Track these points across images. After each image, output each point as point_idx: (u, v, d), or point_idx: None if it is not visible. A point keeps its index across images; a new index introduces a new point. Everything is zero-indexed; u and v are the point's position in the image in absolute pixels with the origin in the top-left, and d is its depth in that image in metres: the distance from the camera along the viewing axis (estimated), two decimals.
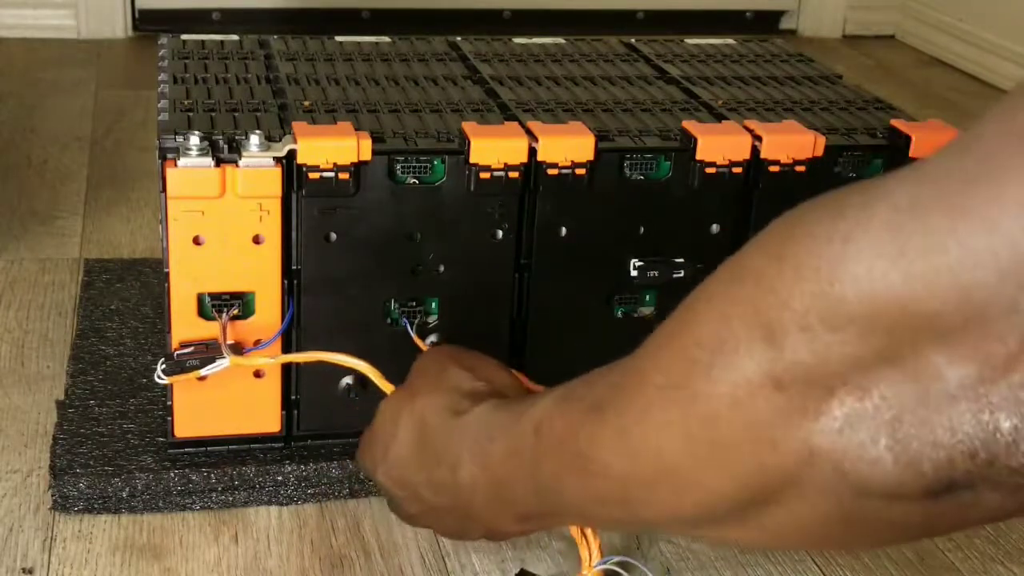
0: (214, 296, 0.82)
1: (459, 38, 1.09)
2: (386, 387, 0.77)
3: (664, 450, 0.48)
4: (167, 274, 0.81)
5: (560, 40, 1.10)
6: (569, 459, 0.55)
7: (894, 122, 0.92)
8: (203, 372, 0.81)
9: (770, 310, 0.43)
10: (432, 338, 0.84)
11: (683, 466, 0.48)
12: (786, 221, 0.45)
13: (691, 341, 0.47)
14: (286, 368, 0.85)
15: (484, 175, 0.82)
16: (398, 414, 0.72)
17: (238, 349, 0.82)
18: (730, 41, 1.14)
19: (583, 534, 0.75)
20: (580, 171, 0.84)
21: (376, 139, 0.82)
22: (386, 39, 1.07)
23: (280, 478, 0.86)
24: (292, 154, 0.79)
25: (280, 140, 0.80)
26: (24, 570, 0.79)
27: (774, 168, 0.87)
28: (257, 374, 0.85)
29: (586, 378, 0.57)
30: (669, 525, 0.54)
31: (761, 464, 0.45)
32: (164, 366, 0.81)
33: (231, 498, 0.86)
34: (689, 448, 0.47)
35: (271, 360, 0.82)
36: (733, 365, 0.44)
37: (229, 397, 0.85)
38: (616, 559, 0.76)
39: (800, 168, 0.87)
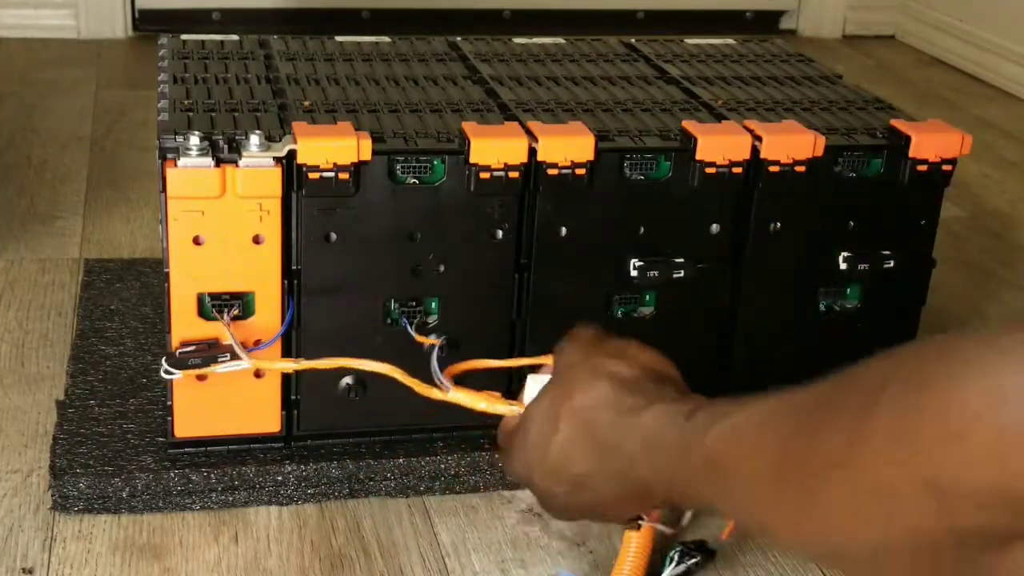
0: (214, 296, 0.82)
1: (459, 38, 1.09)
2: (413, 384, 0.76)
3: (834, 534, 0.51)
4: (167, 274, 0.81)
5: (560, 40, 1.10)
6: (748, 512, 0.58)
7: (894, 122, 0.92)
8: (219, 370, 0.80)
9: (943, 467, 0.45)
10: (432, 337, 0.84)
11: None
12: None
13: (864, 478, 0.48)
14: None
15: (484, 175, 0.82)
16: (556, 415, 0.71)
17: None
18: (730, 41, 1.14)
19: None
20: (580, 171, 0.84)
21: (376, 139, 0.82)
22: (386, 39, 1.07)
23: (280, 478, 0.86)
24: (292, 154, 0.79)
25: (280, 140, 0.80)
26: (24, 570, 0.79)
27: (774, 168, 0.87)
28: (257, 374, 0.85)
29: (758, 420, 0.57)
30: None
31: None
32: (171, 362, 0.81)
33: (231, 498, 0.86)
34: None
35: (294, 365, 0.81)
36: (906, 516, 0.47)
37: (229, 397, 0.85)
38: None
39: (800, 168, 0.87)
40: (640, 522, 0.76)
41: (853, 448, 0.49)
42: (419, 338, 0.83)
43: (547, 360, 0.78)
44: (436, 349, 0.79)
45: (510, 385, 0.88)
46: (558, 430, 0.71)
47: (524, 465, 0.73)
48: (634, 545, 0.77)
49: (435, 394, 0.77)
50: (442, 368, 0.77)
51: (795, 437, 0.54)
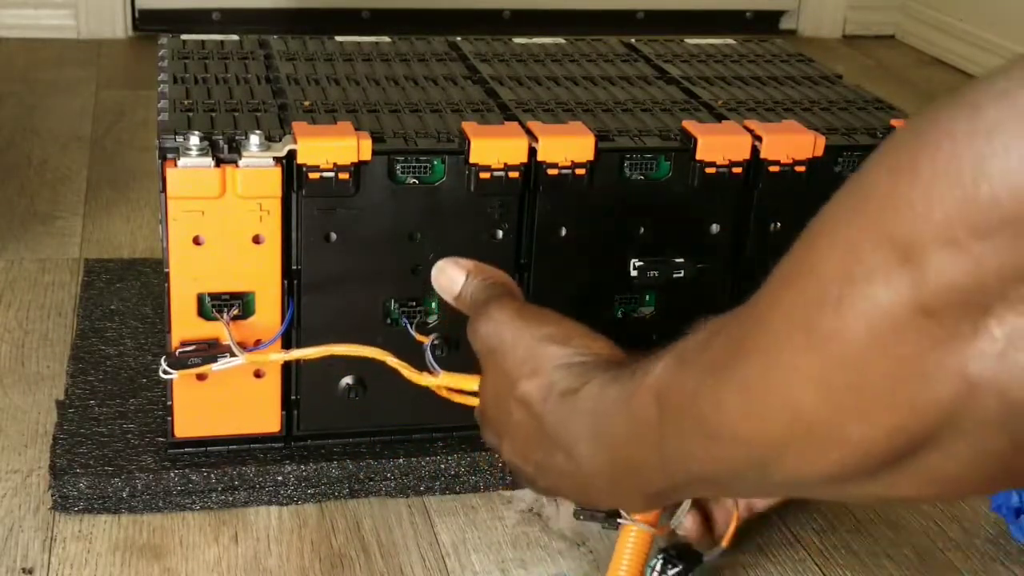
0: (214, 296, 0.82)
1: (459, 38, 1.09)
2: (402, 367, 0.76)
3: (797, 404, 0.43)
4: (167, 274, 0.81)
5: (560, 40, 1.10)
6: (693, 428, 0.51)
7: (894, 122, 0.92)
8: (215, 368, 0.80)
9: (905, 228, 0.38)
10: (433, 337, 0.84)
11: (821, 419, 0.43)
12: (911, 129, 0.40)
13: (814, 278, 0.42)
14: (286, 368, 0.85)
15: (484, 175, 0.82)
16: (503, 400, 0.65)
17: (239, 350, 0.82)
18: (730, 41, 1.14)
19: None
20: (580, 171, 0.84)
21: (376, 139, 0.82)
22: (386, 39, 1.07)
23: (280, 478, 0.86)
24: (292, 154, 0.79)
25: (280, 140, 0.80)
26: (24, 570, 0.79)
27: (774, 168, 0.87)
28: (257, 374, 0.85)
29: (698, 336, 0.52)
30: (811, 487, 0.48)
31: (912, 404, 0.40)
32: (168, 361, 0.81)
33: (231, 498, 0.86)
34: (826, 397, 0.42)
35: (285, 356, 0.81)
36: (868, 296, 0.40)
37: (229, 397, 0.85)
38: None
39: (800, 168, 0.87)
40: (619, 520, 0.74)
41: (797, 272, 0.44)
42: (419, 337, 0.83)
43: None
44: (431, 341, 0.79)
45: None
46: (511, 419, 0.65)
47: (492, 437, 0.69)
48: (629, 547, 0.75)
49: (425, 379, 0.76)
50: (467, 367, 0.77)
51: (737, 321, 0.48)
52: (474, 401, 0.74)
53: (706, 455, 0.51)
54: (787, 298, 0.44)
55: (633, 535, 0.74)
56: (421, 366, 0.77)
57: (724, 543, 0.77)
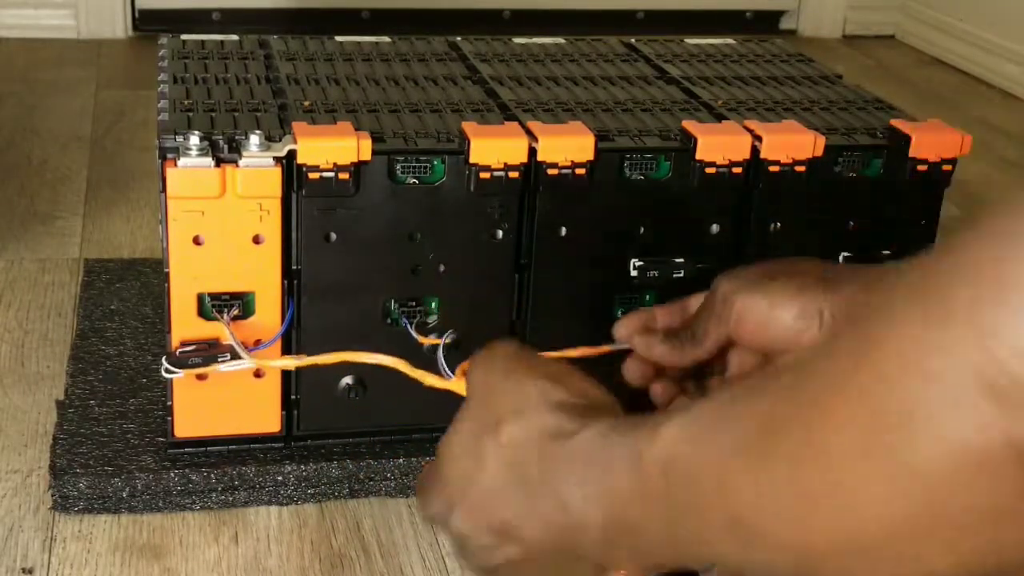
0: (214, 296, 0.82)
1: (459, 38, 1.09)
2: (415, 375, 0.76)
3: (860, 517, 0.39)
4: (167, 274, 0.81)
5: (560, 40, 1.10)
6: (718, 519, 0.45)
7: (894, 122, 0.92)
8: (222, 369, 0.80)
9: (996, 361, 0.35)
10: (433, 337, 0.84)
11: (886, 537, 0.39)
12: (995, 234, 0.35)
13: (884, 386, 0.38)
14: (286, 368, 0.85)
15: (484, 175, 0.82)
16: (479, 445, 0.59)
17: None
18: (730, 41, 1.14)
19: None
20: (580, 171, 0.84)
21: (376, 139, 0.82)
22: (386, 39, 1.07)
23: (280, 478, 0.86)
24: (292, 154, 0.79)
25: (280, 140, 0.80)
26: (24, 570, 0.79)
27: (774, 168, 0.87)
28: (257, 374, 0.85)
29: (719, 403, 0.48)
30: None
31: (997, 539, 0.37)
32: (171, 361, 0.81)
33: (231, 498, 0.86)
34: (897, 516, 0.38)
35: (296, 362, 0.81)
36: (953, 427, 0.36)
37: (229, 397, 0.85)
38: None
39: (800, 168, 0.87)
40: None
41: (859, 374, 0.39)
42: (423, 339, 0.83)
43: (592, 352, 0.76)
44: (443, 341, 0.79)
45: None
46: (483, 465, 0.59)
47: (445, 505, 0.62)
48: None
49: (436, 382, 0.76)
50: (457, 359, 0.77)
51: (776, 402, 0.43)
52: None
53: (732, 549, 0.46)
54: (849, 395, 0.40)
55: None
56: (425, 366, 0.77)
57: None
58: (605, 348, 0.79)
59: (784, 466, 0.42)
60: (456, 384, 0.76)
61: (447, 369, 0.77)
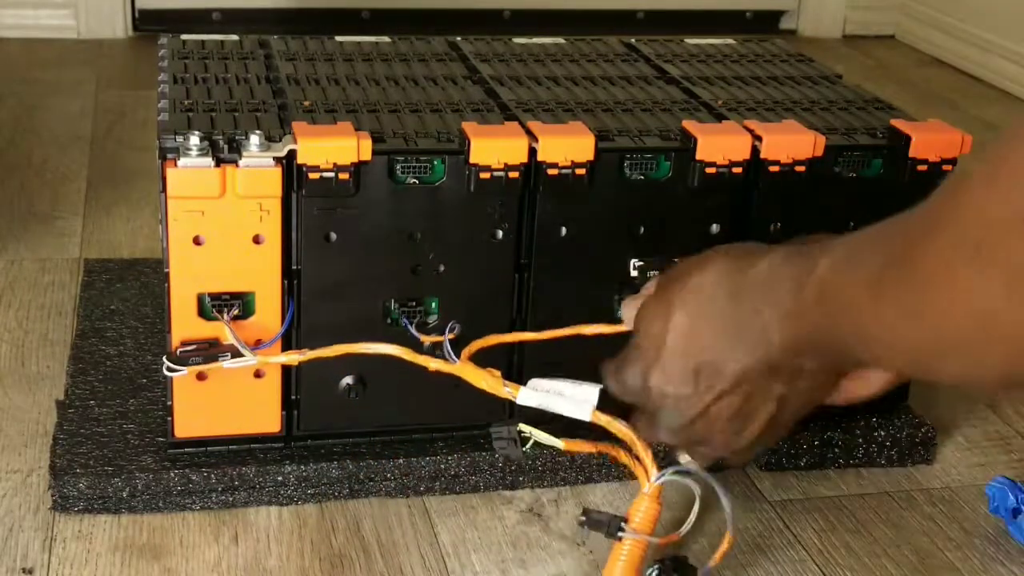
0: (214, 296, 0.82)
1: (459, 38, 1.09)
2: (419, 360, 0.77)
3: (964, 317, 0.51)
4: (167, 274, 0.81)
5: (560, 40, 1.10)
6: (858, 334, 0.59)
7: (894, 122, 0.92)
8: (226, 365, 0.80)
9: None
10: (434, 336, 0.84)
11: (975, 334, 0.51)
12: None
13: (972, 218, 0.50)
14: (286, 368, 0.85)
15: (484, 175, 0.82)
16: (669, 303, 0.70)
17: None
18: (730, 41, 1.14)
19: (634, 455, 0.74)
20: (580, 171, 0.84)
21: (376, 139, 0.82)
22: (386, 39, 1.07)
23: (280, 478, 0.86)
24: (292, 154, 0.79)
25: (280, 140, 0.80)
26: (24, 570, 0.79)
27: (774, 168, 0.87)
28: (257, 374, 0.85)
29: (867, 238, 0.59)
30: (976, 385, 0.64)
31: None
32: (173, 359, 0.81)
33: (231, 498, 0.86)
34: (1006, 301, 0.49)
35: (299, 356, 0.81)
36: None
37: (229, 397, 0.85)
38: (673, 470, 0.74)
39: (800, 168, 0.87)
40: (621, 534, 0.74)
41: (950, 211, 0.52)
42: (425, 339, 0.83)
43: (583, 330, 0.81)
44: (447, 336, 0.79)
45: (510, 366, 0.88)
46: (671, 318, 0.69)
47: (640, 374, 0.71)
48: (623, 556, 0.74)
49: (441, 365, 0.77)
50: (458, 350, 0.78)
51: (896, 244, 0.56)
52: (499, 388, 0.75)
53: (866, 354, 0.61)
54: (961, 217, 0.51)
55: (628, 544, 0.74)
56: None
57: (714, 562, 0.77)
58: (620, 328, 0.81)
59: (900, 291, 0.55)
60: (460, 368, 0.77)
61: (450, 351, 0.77)
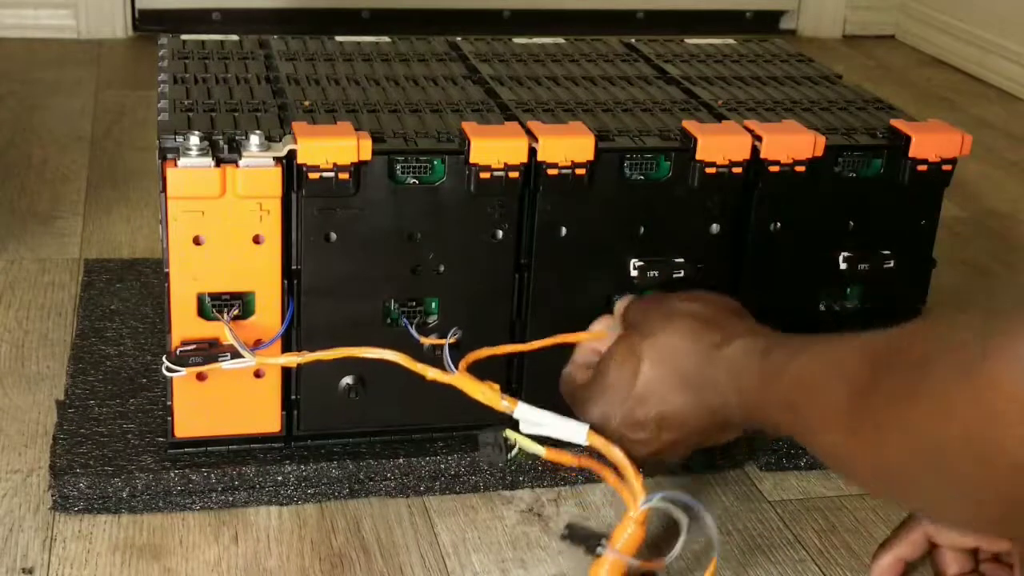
0: (214, 296, 0.82)
1: (459, 38, 1.09)
2: (418, 368, 0.77)
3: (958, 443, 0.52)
4: (167, 274, 0.81)
5: (560, 40, 1.10)
6: (819, 448, 0.64)
7: (894, 122, 0.92)
8: (225, 366, 0.80)
9: None
10: (433, 337, 0.84)
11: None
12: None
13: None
14: (286, 368, 0.85)
15: (484, 175, 0.82)
16: (637, 355, 0.75)
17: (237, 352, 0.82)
18: (730, 41, 1.14)
19: (622, 477, 0.75)
20: (580, 171, 0.84)
21: (376, 139, 0.82)
22: (386, 39, 1.07)
23: (280, 478, 0.86)
24: (292, 154, 0.79)
25: (280, 140, 0.80)
26: (24, 570, 0.79)
27: (774, 168, 0.87)
28: (257, 374, 0.85)
29: (831, 373, 0.61)
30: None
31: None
32: (172, 359, 0.81)
33: (231, 498, 0.86)
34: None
35: (298, 359, 0.81)
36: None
37: (229, 397, 0.85)
38: (660, 495, 0.74)
39: (800, 168, 0.87)
40: (600, 550, 0.74)
41: (910, 404, 0.54)
42: (425, 340, 0.83)
43: (571, 338, 0.83)
44: (449, 341, 0.79)
45: (509, 378, 0.88)
46: (639, 371, 0.75)
47: (602, 413, 0.76)
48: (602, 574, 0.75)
49: (438, 376, 0.77)
50: (457, 357, 0.78)
51: (863, 383, 0.58)
52: (497, 401, 0.76)
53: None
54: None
55: (608, 565, 0.74)
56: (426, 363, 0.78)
57: None
58: (600, 334, 0.83)
59: (861, 431, 0.58)
60: (459, 379, 0.77)
61: (452, 364, 0.77)
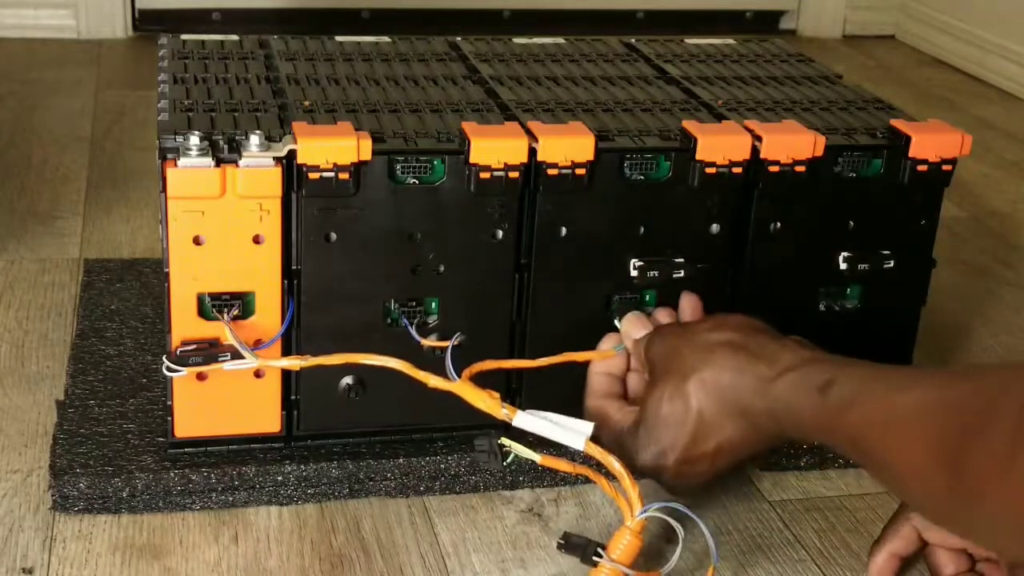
0: (214, 296, 0.82)
1: (459, 38, 1.09)
2: (420, 376, 0.77)
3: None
4: (167, 274, 0.81)
5: (560, 40, 1.10)
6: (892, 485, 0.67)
7: (894, 122, 0.92)
8: (227, 367, 0.80)
9: None
10: (433, 338, 0.84)
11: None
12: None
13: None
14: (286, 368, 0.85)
15: (484, 175, 0.82)
16: (685, 394, 0.75)
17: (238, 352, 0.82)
18: (730, 41, 1.14)
19: (620, 488, 0.75)
20: (580, 171, 0.84)
21: (376, 139, 0.82)
22: (386, 39, 1.07)
23: (280, 478, 0.86)
24: (292, 154, 0.79)
25: (280, 140, 0.80)
26: (24, 570, 0.79)
27: (774, 168, 0.87)
28: (257, 374, 0.85)
29: (916, 422, 0.61)
30: None
31: None
32: (173, 359, 0.81)
33: (231, 498, 0.86)
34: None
35: (300, 362, 0.81)
36: None
37: (229, 397, 0.85)
38: (657, 506, 0.74)
39: (800, 168, 0.87)
40: (597, 559, 0.74)
41: (1014, 460, 0.53)
42: (427, 343, 0.83)
43: (580, 357, 0.83)
44: (452, 343, 0.79)
45: (509, 387, 0.88)
46: (691, 406, 0.75)
47: (657, 457, 0.77)
48: None
49: (440, 383, 0.77)
50: (461, 366, 0.78)
51: (953, 438, 0.57)
52: (497, 410, 0.76)
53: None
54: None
55: (604, 573, 0.74)
56: (426, 367, 0.78)
57: None
58: (610, 353, 0.83)
59: (955, 490, 0.57)
60: (460, 387, 0.77)
61: (453, 372, 0.77)
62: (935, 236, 0.94)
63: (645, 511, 0.74)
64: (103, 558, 0.80)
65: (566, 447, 0.77)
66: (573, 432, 0.76)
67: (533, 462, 0.80)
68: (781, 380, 0.71)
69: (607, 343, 0.85)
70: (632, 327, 0.84)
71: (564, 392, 0.84)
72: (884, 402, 0.64)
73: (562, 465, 0.77)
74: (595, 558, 0.75)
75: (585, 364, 0.85)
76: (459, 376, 0.77)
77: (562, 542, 0.77)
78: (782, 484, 0.92)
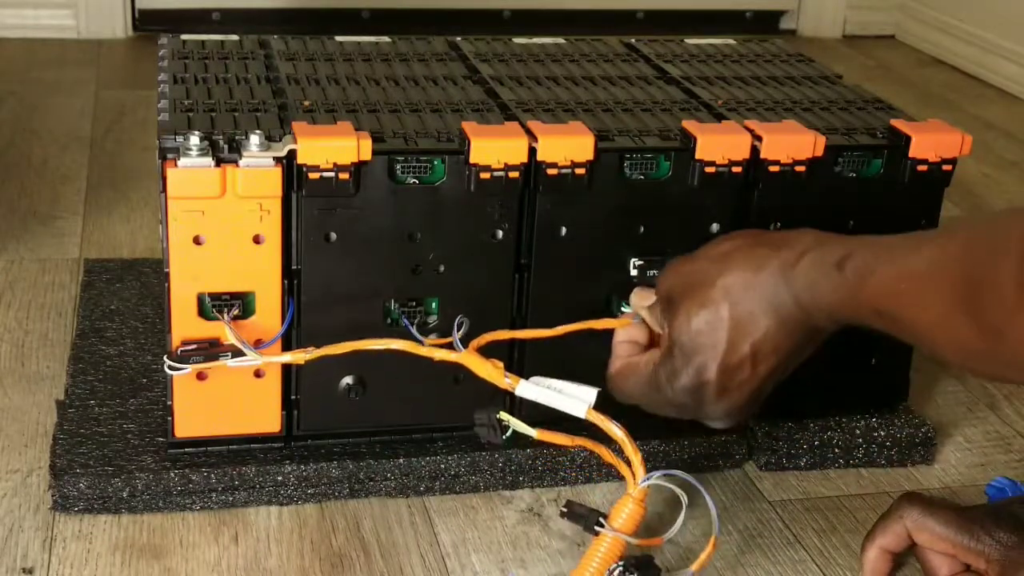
0: (214, 296, 0.82)
1: (459, 38, 1.09)
2: (424, 352, 0.77)
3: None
4: (167, 274, 0.81)
5: (560, 40, 1.10)
6: (917, 336, 0.66)
7: (894, 122, 0.92)
8: (230, 364, 0.80)
9: None
10: (433, 336, 0.84)
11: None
12: None
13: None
14: (286, 368, 0.85)
15: (484, 175, 0.82)
16: (711, 304, 0.74)
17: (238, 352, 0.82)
18: (730, 41, 1.14)
19: (624, 456, 0.74)
20: (580, 171, 0.84)
21: (376, 139, 0.82)
22: (386, 39, 1.07)
23: (280, 478, 0.86)
24: (292, 154, 0.79)
25: (280, 140, 0.80)
26: (24, 570, 0.79)
27: (774, 168, 0.87)
28: (257, 374, 0.85)
29: (930, 279, 0.64)
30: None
31: None
32: (174, 358, 0.81)
33: (231, 498, 0.86)
34: None
35: (304, 355, 0.80)
36: None
37: (229, 397, 0.85)
38: (660, 473, 0.74)
39: (800, 168, 0.87)
40: (598, 528, 0.74)
41: (1022, 291, 0.56)
42: (426, 341, 0.83)
43: (597, 324, 0.82)
44: (458, 324, 0.79)
45: (511, 359, 0.88)
46: (721, 313, 0.73)
47: (695, 376, 0.74)
48: (599, 552, 0.74)
49: (446, 355, 0.77)
50: (467, 338, 0.78)
51: (966, 285, 0.61)
52: (500, 379, 0.76)
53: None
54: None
55: (607, 541, 0.74)
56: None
57: (694, 567, 0.77)
58: (627, 320, 0.83)
59: (980, 332, 0.60)
60: (465, 357, 0.77)
61: (458, 342, 0.77)
62: None
63: (648, 479, 0.74)
64: (103, 558, 0.80)
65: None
66: (576, 400, 0.75)
67: (533, 463, 0.81)
68: (800, 264, 0.72)
69: (624, 310, 0.85)
70: (640, 299, 0.83)
71: (568, 368, 0.82)
72: (898, 267, 0.66)
73: (559, 439, 0.77)
74: (597, 527, 0.75)
75: (598, 334, 0.83)
76: (457, 344, 0.77)
77: (565, 510, 0.77)
78: (782, 484, 0.93)
